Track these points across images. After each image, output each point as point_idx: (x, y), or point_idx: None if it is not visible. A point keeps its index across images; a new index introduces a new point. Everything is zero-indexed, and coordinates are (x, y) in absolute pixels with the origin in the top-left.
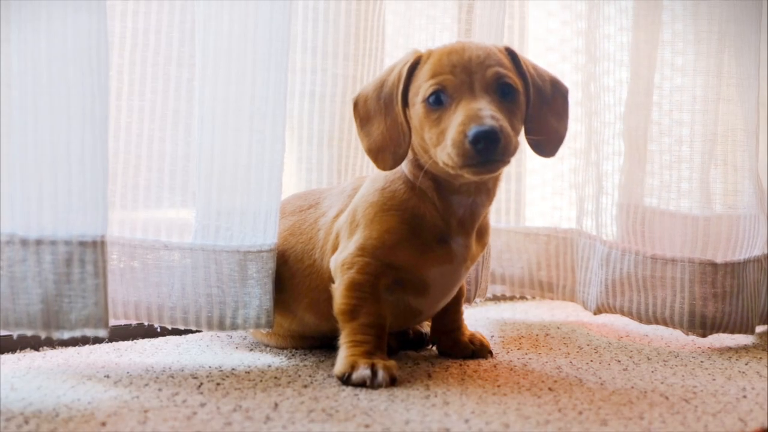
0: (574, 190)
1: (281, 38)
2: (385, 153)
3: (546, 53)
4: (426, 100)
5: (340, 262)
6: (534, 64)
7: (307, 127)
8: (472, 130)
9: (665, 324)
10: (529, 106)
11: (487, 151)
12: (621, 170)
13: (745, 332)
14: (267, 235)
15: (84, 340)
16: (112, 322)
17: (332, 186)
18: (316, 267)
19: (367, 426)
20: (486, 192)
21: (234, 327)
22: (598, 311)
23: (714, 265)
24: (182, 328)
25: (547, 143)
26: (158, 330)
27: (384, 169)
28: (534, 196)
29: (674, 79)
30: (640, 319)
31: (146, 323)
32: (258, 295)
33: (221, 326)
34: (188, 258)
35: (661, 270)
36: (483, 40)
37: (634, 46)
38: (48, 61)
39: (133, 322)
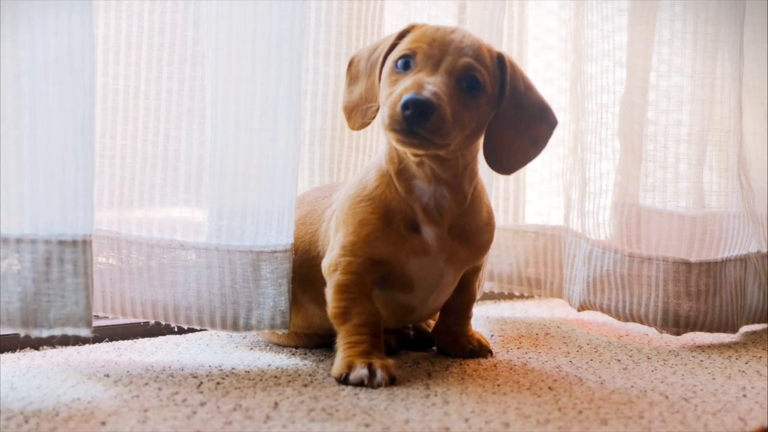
0: (563, 188)
1: (295, 37)
2: (357, 112)
3: (544, 51)
4: (395, 62)
5: (327, 264)
6: (530, 84)
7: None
8: (406, 96)
9: (641, 322)
10: (498, 114)
11: (413, 121)
12: (616, 170)
13: (725, 331)
14: (281, 235)
15: (84, 340)
16: (128, 320)
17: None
18: (321, 258)
19: (367, 425)
20: (446, 185)
21: (248, 327)
22: (581, 308)
23: (688, 264)
24: (198, 328)
25: (506, 159)
26: (158, 328)
27: (352, 128)
28: (532, 195)
29: (671, 78)
30: (618, 317)
31: (163, 322)
32: (272, 296)
33: (235, 327)
34: (203, 258)
35: (638, 268)
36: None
37: (629, 45)
38: (30, 61)
39: (152, 321)
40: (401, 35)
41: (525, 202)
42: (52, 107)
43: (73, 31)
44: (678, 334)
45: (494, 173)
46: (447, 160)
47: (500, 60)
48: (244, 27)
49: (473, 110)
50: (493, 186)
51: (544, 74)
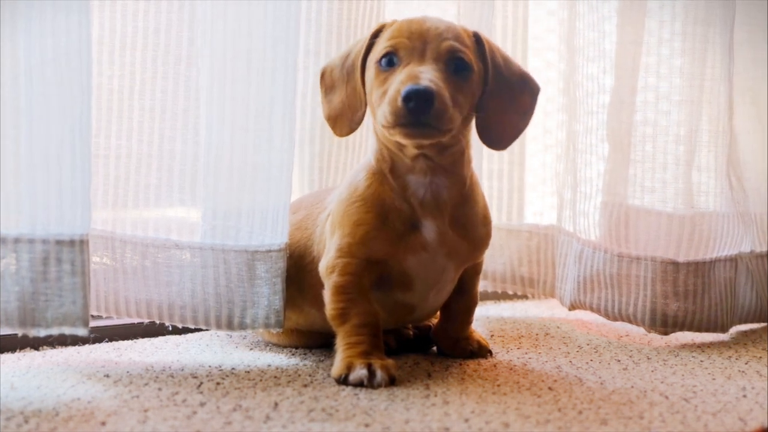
0: (556, 189)
1: (290, 38)
2: (342, 119)
3: (545, 52)
4: (378, 62)
5: (324, 267)
6: (506, 56)
7: None
8: (405, 88)
9: (629, 321)
10: (486, 91)
11: (418, 111)
12: (605, 170)
13: (714, 331)
14: (276, 235)
15: (83, 340)
16: (128, 320)
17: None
18: (316, 263)
19: (367, 425)
20: (444, 173)
21: (243, 327)
22: (572, 307)
23: (675, 263)
24: (192, 327)
25: (499, 135)
26: (158, 329)
27: (340, 135)
28: (533, 196)
29: (660, 79)
30: (607, 316)
31: (157, 321)
32: (267, 295)
33: (230, 326)
34: (198, 257)
35: (627, 268)
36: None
37: (618, 46)
38: (28, 61)
39: (146, 320)
40: (374, 35)
41: (519, 201)
42: (50, 107)
43: (71, 31)
44: (666, 333)
45: (493, 173)
46: (447, 147)
47: (477, 38)
48: (239, 27)
49: (466, 91)
50: (486, 185)
51: (544, 74)
